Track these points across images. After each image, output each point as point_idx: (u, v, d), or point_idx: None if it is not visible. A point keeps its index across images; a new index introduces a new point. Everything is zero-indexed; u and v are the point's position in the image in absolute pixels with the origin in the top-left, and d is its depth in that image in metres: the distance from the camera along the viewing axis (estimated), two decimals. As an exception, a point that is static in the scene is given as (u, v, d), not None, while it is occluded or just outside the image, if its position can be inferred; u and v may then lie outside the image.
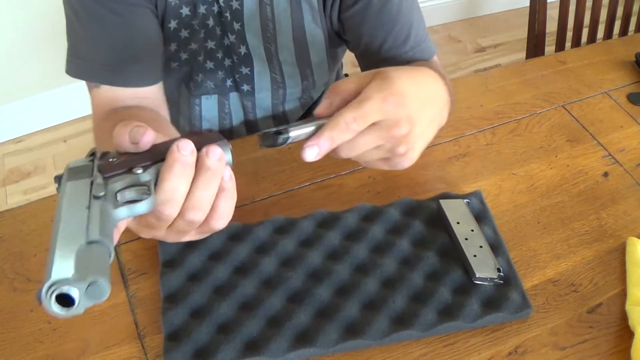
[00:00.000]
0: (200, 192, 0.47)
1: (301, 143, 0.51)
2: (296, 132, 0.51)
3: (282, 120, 1.01)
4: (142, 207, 0.44)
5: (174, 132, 0.71)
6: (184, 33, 0.84)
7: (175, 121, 0.97)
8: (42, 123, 2.09)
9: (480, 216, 0.69)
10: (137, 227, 0.51)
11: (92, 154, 0.50)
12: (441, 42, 2.48)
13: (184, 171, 0.46)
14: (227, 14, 0.83)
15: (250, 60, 0.89)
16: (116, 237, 0.46)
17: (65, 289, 0.36)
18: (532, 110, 0.87)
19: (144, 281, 0.65)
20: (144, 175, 0.46)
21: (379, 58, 0.81)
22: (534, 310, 0.62)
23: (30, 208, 0.73)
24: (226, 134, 0.49)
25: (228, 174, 0.49)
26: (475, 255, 0.64)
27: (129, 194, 0.45)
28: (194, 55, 0.87)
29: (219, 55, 0.88)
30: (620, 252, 0.68)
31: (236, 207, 0.51)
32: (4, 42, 1.86)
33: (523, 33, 1.51)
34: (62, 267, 0.37)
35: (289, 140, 0.51)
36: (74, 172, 0.46)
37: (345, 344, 0.58)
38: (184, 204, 0.47)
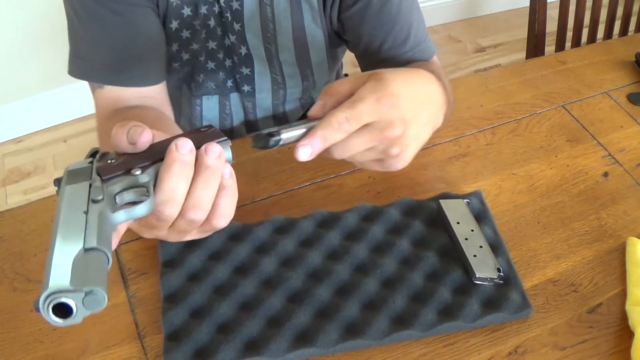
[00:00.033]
0: (200, 191, 0.47)
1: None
2: (288, 134, 0.50)
3: (282, 120, 1.01)
4: (140, 210, 0.44)
5: (178, 131, 0.71)
6: (186, 33, 0.84)
7: (176, 121, 0.97)
8: (42, 123, 2.09)
9: (480, 216, 0.69)
10: (139, 228, 0.51)
11: (93, 154, 0.50)
12: (441, 42, 2.48)
13: (183, 170, 0.46)
14: (228, 15, 0.83)
15: (251, 60, 0.89)
16: (116, 240, 0.46)
17: (62, 299, 0.36)
18: (532, 110, 0.87)
19: (144, 281, 0.65)
20: (143, 177, 0.46)
21: (379, 58, 0.81)
22: (534, 310, 0.62)
23: (30, 208, 0.73)
24: (227, 134, 0.49)
25: (228, 172, 0.49)
26: (475, 255, 0.64)
27: (128, 196, 0.45)
28: (195, 56, 0.87)
29: (220, 55, 0.88)
30: (620, 252, 0.68)
31: (236, 207, 0.51)
32: (4, 42, 1.86)
33: (523, 33, 1.51)
34: (60, 275, 0.37)
35: (281, 142, 0.50)
36: (73, 175, 0.46)
37: (345, 344, 0.58)
38: (184, 203, 0.47)
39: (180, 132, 0.71)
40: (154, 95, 0.79)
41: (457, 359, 0.58)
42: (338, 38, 0.88)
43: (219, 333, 0.58)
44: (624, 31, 1.46)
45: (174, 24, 0.82)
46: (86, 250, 0.39)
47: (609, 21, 1.44)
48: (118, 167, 0.46)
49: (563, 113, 0.86)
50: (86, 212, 0.42)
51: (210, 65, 0.89)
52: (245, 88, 0.93)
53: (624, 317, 0.62)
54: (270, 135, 0.50)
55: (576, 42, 1.44)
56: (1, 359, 0.59)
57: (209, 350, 0.57)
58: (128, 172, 0.46)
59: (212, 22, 0.83)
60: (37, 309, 0.36)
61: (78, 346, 0.60)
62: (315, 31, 0.85)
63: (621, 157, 0.79)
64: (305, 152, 0.50)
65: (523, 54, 1.52)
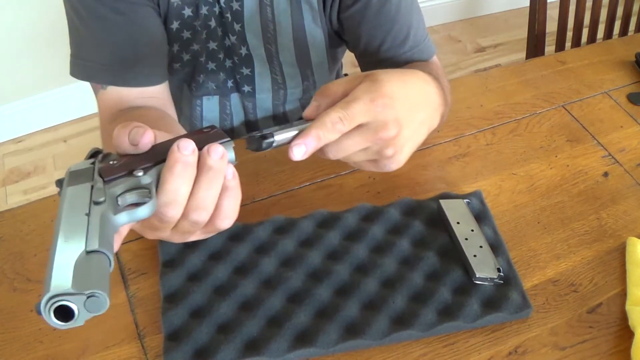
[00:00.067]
0: (203, 192, 0.47)
1: None
2: (281, 136, 0.50)
3: (282, 121, 1.01)
4: (142, 212, 0.44)
5: (181, 131, 0.71)
6: (186, 34, 0.83)
7: (176, 121, 0.97)
8: (42, 123, 2.09)
9: (480, 216, 0.69)
10: (141, 229, 0.51)
11: (93, 154, 0.50)
12: (441, 42, 2.48)
13: (185, 171, 0.45)
14: (228, 15, 0.83)
15: (251, 61, 0.89)
16: (118, 242, 0.45)
17: (64, 302, 0.36)
18: (532, 110, 0.87)
19: (144, 281, 0.65)
20: (145, 178, 0.45)
21: (378, 58, 0.81)
22: (534, 310, 0.62)
23: (30, 208, 0.73)
24: (227, 135, 0.49)
25: (231, 173, 0.48)
26: (475, 255, 0.64)
27: (130, 198, 0.44)
28: (195, 56, 0.87)
29: (220, 56, 0.88)
30: (620, 252, 0.68)
31: (236, 207, 0.51)
32: (4, 42, 1.86)
33: (523, 33, 1.51)
34: (61, 278, 0.37)
35: (274, 144, 0.50)
36: (75, 176, 0.45)
37: (345, 344, 0.58)
38: (187, 204, 0.47)
39: (183, 132, 0.70)
40: (157, 95, 0.78)
41: (457, 359, 0.58)
42: (338, 38, 0.88)
43: (219, 333, 0.59)
44: (624, 31, 1.46)
45: (175, 25, 0.82)
46: (88, 252, 0.39)
47: (609, 21, 1.44)
48: (120, 169, 0.46)
49: (563, 113, 0.86)
50: (88, 214, 0.41)
51: (211, 65, 0.89)
52: (246, 88, 0.93)
53: (624, 317, 0.62)
54: (264, 137, 0.50)
55: (576, 42, 1.44)
56: (1, 359, 0.59)
57: (209, 350, 0.57)
58: (130, 173, 0.45)
59: (212, 23, 0.83)
60: (39, 312, 0.36)
61: (78, 346, 0.60)
62: (316, 31, 0.85)
63: (621, 157, 0.79)
64: (300, 152, 0.49)
65: (523, 54, 1.52)
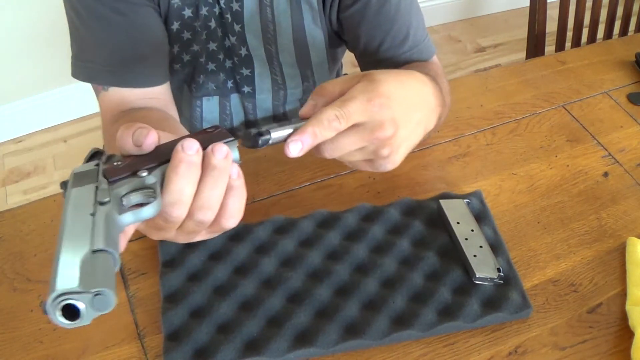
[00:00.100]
0: (208, 191, 0.46)
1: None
2: (277, 134, 0.50)
3: (283, 121, 1.01)
4: (147, 212, 0.44)
5: (184, 132, 0.71)
6: (187, 34, 0.83)
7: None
8: (42, 123, 2.09)
9: (480, 216, 0.69)
10: (146, 229, 0.50)
11: (93, 154, 0.50)
12: (441, 42, 2.48)
13: (189, 171, 0.45)
14: (228, 16, 0.82)
15: (251, 61, 0.89)
16: (123, 242, 0.45)
17: (70, 301, 0.36)
18: (532, 110, 0.87)
19: (144, 281, 0.65)
20: (150, 178, 0.45)
21: (378, 58, 0.81)
22: (534, 310, 0.62)
23: (30, 208, 0.73)
24: (231, 134, 0.49)
25: (236, 172, 0.48)
26: (475, 255, 0.64)
27: (135, 198, 0.44)
28: (195, 57, 0.87)
29: (220, 56, 0.88)
30: (620, 252, 0.68)
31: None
32: (4, 42, 1.86)
33: (523, 33, 1.51)
34: (67, 277, 0.36)
35: (270, 142, 0.50)
36: (79, 178, 0.45)
37: (345, 344, 0.58)
38: (192, 204, 0.46)
39: (185, 132, 0.70)
40: (159, 95, 0.78)
41: (457, 359, 0.58)
42: (338, 38, 0.88)
43: (219, 333, 0.58)
44: (624, 31, 1.46)
45: (175, 25, 0.82)
46: (94, 252, 0.38)
47: (609, 21, 1.44)
48: (124, 169, 0.46)
49: (563, 113, 0.86)
50: (93, 214, 0.41)
51: (211, 66, 0.89)
52: (246, 89, 0.93)
53: (624, 317, 0.62)
54: (260, 134, 0.50)
55: (576, 42, 1.44)
56: (1, 359, 0.59)
57: (209, 350, 0.57)
58: (134, 174, 0.45)
59: (212, 24, 0.83)
60: (45, 311, 0.36)
61: (78, 346, 0.60)
62: (315, 32, 0.85)
63: (621, 157, 0.79)
64: (296, 148, 0.49)
65: (523, 54, 1.52)
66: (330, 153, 0.53)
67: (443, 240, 0.67)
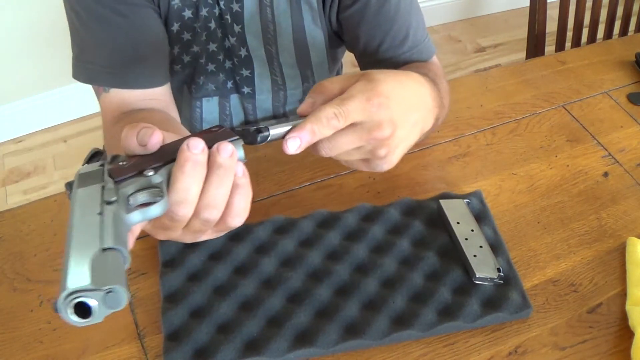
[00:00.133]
0: (214, 190, 0.46)
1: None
2: (276, 131, 0.50)
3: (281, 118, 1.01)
4: (154, 211, 0.44)
5: (185, 133, 0.71)
6: (187, 35, 0.83)
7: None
8: (42, 123, 2.09)
9: (480, 216, 0.69)
10: (152, 229, 0.50)
11: (93, 154, 0.50)
12: (441, 42, 2.48)
13: (195, 170, 0.45)
14: (228, 17, 0.82)
15: (251, 62, 0.89)
16: (131, 241, 0.45)
17: (82, 299, 0.36)
18: (532, 110, 0.87)
19: (144, 281, 0.65)
20: (156, 177, 0.45)
21: (377, 58, 0.81)
22: (534, 310, 0.62)
23: (30, 208, 0.73)
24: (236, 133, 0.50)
25: (241, 170, 0.48)
26: (475, 255, 0.64)
27: (142, 197, 0.44)
28: (195, 58, 0.87)
29: (220, 57, 0.88)
30: (620, 252, 0.68)
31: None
32: (4, 42, 1.86)
33: (523, 33, 1.51)
34: (78, 275, 0.36)
35: (269, 139, 0.50)
36: (85, 178, 0.45)
37: (345, 344, 0.58)
38: (198, 203, 0.46)
39: (187, 133, 0.70)
40: (159, 97, 0.78)
41: (457, 359, 0.58)
42: (338, 39, 0.88)
43: (219, 333, 0.58)
44: (624, 31, 1.46)
45: (175, 27, 0.82)
46: (103, 250, 0.38)
47: (609, 21, 1.45)
48: (130, 169, 0.46)
49: (563, 113, 0.86)
50: (100, 213, 0.41)
51: (211, 67, 0.89)
52: (245, 90, 0.93)
53: (624, 317, 0.62)
54: (259, 131, 0.50)
55: (576, 42, 1.44)
56: (1, 359, 0.59)
57: (209, 350, 0.57)
58: (140, 173, 0.45)
59: (212, 24, 0.83)
60: (56, 310, 0.36)
61: (78, 346, 0.60)
62: (315, 32, 0.85)
63: (621, 157, 0.79)
64: (294, 145, 0.49)
65: (523, 54, 1.52)
66: (327, 152, 0.53)
67: (443, 240, 0.67)
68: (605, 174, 0.77)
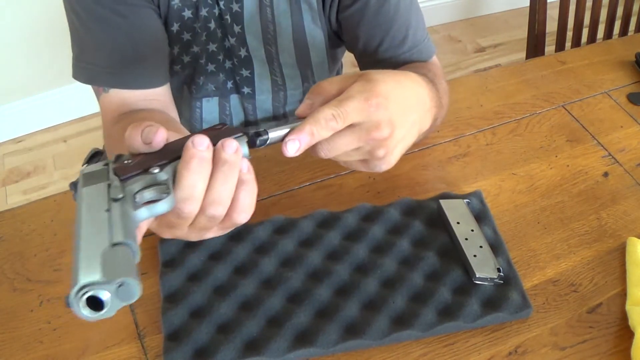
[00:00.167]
0: (220, 186, 0.47)
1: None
2: (275, 134, 0.50)
3: (280, 120, 1.01)
4: (162, 207, 0.44)
5: (186, 133, 0.71)
6: (186, 36, 0.83)
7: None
8: (42, 123, 2.09)
9: (480, 216, 0.69)
10: (158, 228, 0.50)
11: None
12: (441, 42, 2.48)
13: (201, 167, 0.45)
14: (228, 17, 0.82)
15: (251, 62, 0.89)
16: (139, 238, 0.45)
17: (94, 292, 0.36)
18: (532, 110, 0.87)
19: (144, 281, 0.65)
20: (162, 175, 0.45)
21: (377, 58, 0.81)
22: (534, 310, 0.62)
23: (30, 208, 0.73)
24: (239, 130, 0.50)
25: (246, 167, 0.49)
26: (475, 255, 0.64)
27: (148, 194, 0.44)
28: (195, 58, 0.87)
29: (220, 57, 0.88)
30: (620, 252, 0.68)
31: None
32: (4, 42, 1.86)
33: (523, 33, 1.51)
34: (89, 270, 0.36)
35: (268, 142, 0.50)
36: (89, 178, 0.46)
37: (345, 344, 0.58)
38: (204, 199, 0.47)
39: (188, 133, 0.70)
40: (159, 97, 0.78)
41: (457, 359, 0.58)
42: (337, 39, 0.88)
43: (219, 333, 0.59)
44: (624, 31, 1.46)
45: (175, 27, 0.82)
46: (113, 245, 0.38)
47: (609, 21, 1.45)
48: (135, 167, 0.46)
49: (563, 113, 0.86)
50: (108, 210, 0.41)
51: (211, 67, 0.89)
52: (245, 90, 0.93)
53: (624, 317, 0.62)
54: (258, 134, 0.50)
55: (576, 42, 1.44)
56: (1, 359, 0.59)
57: (209, 350, 0.57)
58: (146, 171, 0.46)
59: (212, 25, 0.83)
60: (68, 305, 0.36)
61: (78, 346, 0.60)
62: (315, 32, 0.85)
63: (621, 157, 0.79)
64: (293, 147, 0.50)
65: (523, 54, 1.52)
66: (326, 153, 0.53)
67: (443, 240, 0.67)
68: (605, 174, 0.77)
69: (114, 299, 0.36)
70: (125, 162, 0.47)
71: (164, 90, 0.79)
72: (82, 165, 0.58)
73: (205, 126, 0.97)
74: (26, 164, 2.00)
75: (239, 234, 0.67)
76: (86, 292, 0.35)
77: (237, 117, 0.97)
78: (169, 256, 0.65)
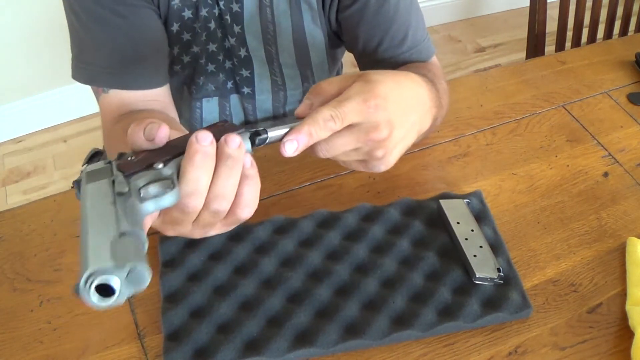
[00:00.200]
0: (223, 181, 0.47)
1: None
2: (274, 133, 0.51)
3: (279, 120, 1.01)
4: (168, 200, 0.44)
5: (185, 132, 0.71)
6: (186, 36, 0.83)
7: (176, 123, 0.97)
8: (42, 123, 2.09)
9: (480, 216, 0.69)
10: (162, 225, 0.50)
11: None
12: (441, 42, 2.48)
13: (205, 161, 0.46)
14: (227, 17, 0.82)
15: (250, 62, 0.89)
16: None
17: (105, 279, 0.35)
18: (532, 110, 0.87)
19: (144, 281, 0.65)
20: (166, 170, 0.46)
21: (377, 58, 0.81)
22: (534, 310, 0.62)
23: (30, 208, 0.73)
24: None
25: (249, 161, 0.49)
26: (475, 255, 0.64)
27: (153, 189, 0.44)
28: (195, 58, 0.87)
29: (220, 57, 0.88)
30: (620, 252, 0.68)
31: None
32: (4, 42, 1.86)
33: (523, 33, 1.51)
34: (99, 257, 0.36)
35: (267, 141, 0.51)
36: (93, 175, 0.46)
37: (345, 344, 0.58)
38: (208, 194, 0.47)
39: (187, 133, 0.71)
40: (159, 98, 0.78)
41: (457, 359, 0.58)
42: (337, 39, 0.88)
43: (219, 333, 0.59)
44: (624, 31, 1.46)
45: (175, 27, 0.82)
46: (121, 234, 0.38)
47: (609, 21, 1.45)
48: (139, 163, 0.46)
49: (563, 113, 0.86)
50: (114, 203, 0.41)
51: (211, 67, 0.89)
52: (245, 90, 0.93)
53: (624, 317, 0.62)
54: (257, 133, 0.50)
55: (576, 42, 1.44)
56: (1, 359, 0.59)
57: (209, 350, 0.57)
58: (150, 167, 0.46)
59: (212, 25, 0.83)
60: (77, 292, 0.35)
61: (78, 346, 0.60)
62: (315, 32, 0.85)
63: (621, 157, 0.79)
64: (291, 147, 0.50)
65: (523, 54, 1.52)
66: (324, 153, 0.53)
67: (443, 240, 0.67)
68: (605, 174, 0.77)
69: (125, 286, 0.36)
70: (129, 159, 0.47)
71: (164, 90, 0.79)
72: (82, 166, 0.58)
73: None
74: (26, 164, 2.00)
75: (239, 234, 0.67)
76: (96, 278, 0.35)
77: (237, 117, 0.97)
78: (169, 256, 0.65)
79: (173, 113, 0.81)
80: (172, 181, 0.45)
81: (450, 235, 0.67)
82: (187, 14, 0.81)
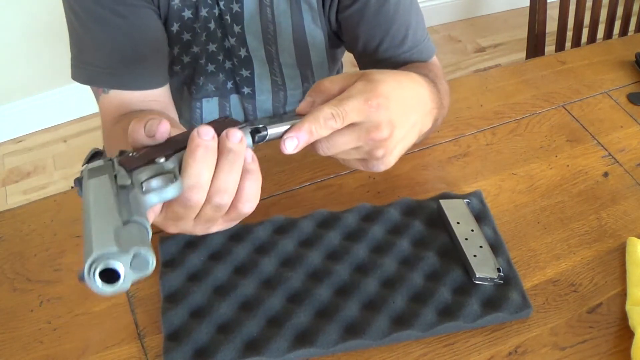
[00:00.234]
0: (225, 175, 0.47)
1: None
2: (274, 130, 0.51)
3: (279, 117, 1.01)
4: (171, 192, 0.44)
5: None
6: (186, 36, 0.83)
7: (176, 123, 0.97)
8: (42, 123, 2.09)
9: (480, 216, 0.69)
10: (164, 221, 0.50)
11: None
12: (441, 42, 2.48)
13: (206, 156, 0.46)
14: (228, 17, 0.82)
15: (250, 62, 0.89)
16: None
17: (109, 263, 0.35)
18: (532, 110, 0.87)
19: (144, 281, 0.65)
20: (168, 164, 0.46)
21: (377, 58, 0.81)
22: (534, 310, 0.62)
23: (30, 208, 0.73)
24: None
25: (250, 156, 0.49)
26: (475, 255, 0.64)
27: (156, 183, 0.45)
28: (195, 58, 0.87)
29: (220, 57, 0.88)
30: (620, 252, 0.68)
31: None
32: (4, 42, 1.86)
33: (523, 33, 1.51)
34: (103, 242, 0.36)
35: (267, 138, 0.51)
36: (95, 171, 0.46)
37: (345, 344, 0.58)
38: (210, 188, 0.47)
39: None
40: (158, 98, 0.78)
41: (457, 359, 0.58)
42: (337, 39, 0.88)
43: (219, 333, 0.58)
44: (624, 31, 1.46)
45: (175, 27, 0.81)
46: (125, 223, 0.38)
47: (609, 21, 1.45)
48: (141, 159, 0.46)
49: (563, 113, 0.86)
50: (117, 195, 0.41)
51: (211, 67, 0.89)
52: (245, 90, 0.93)
53: (624, 317, 0.62)
54: (257, 130, 0.50)
55: (576, 42, 1.44)
56: (1, 359, 0.59)
57: (209, 350, 0.57)
58: (152, 162, 0.46)
59: (212, 25, 0.83)
60: (82, 278, 0.35)
61: (78, 346, 0.60)
62: (315, 32, 0.85)
63: (621, 157, 0.79)
64: (292, 145, 0.50)
65: (523, 54, 1.52)
66: (324, 151, 0.53)
67: (443, 240, 0.67)
68: (605, 174, 0.77)
69: (129, 271, 0.36)
70: (131, 154, 0.47)
71: (164, 91, 0.79)
72: (82, 165, 0.58)
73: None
74: (26, 164, 2.00)
75: (239, 234, 0.67)
76: (100, 263, 0.35)
77: (237, 118, 0.97)
78: (169, 256, 0.65)
79: (173, 113, 0.81)
80: (175, 174, 0.45)
81: (450, 235, 0.67)
82: (187, 14, 0.81)
